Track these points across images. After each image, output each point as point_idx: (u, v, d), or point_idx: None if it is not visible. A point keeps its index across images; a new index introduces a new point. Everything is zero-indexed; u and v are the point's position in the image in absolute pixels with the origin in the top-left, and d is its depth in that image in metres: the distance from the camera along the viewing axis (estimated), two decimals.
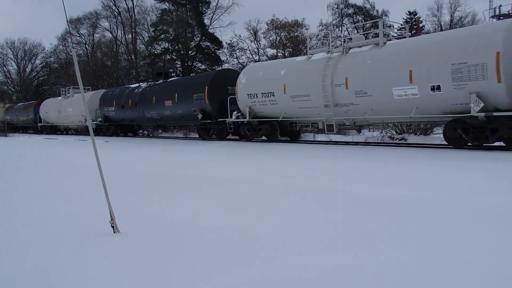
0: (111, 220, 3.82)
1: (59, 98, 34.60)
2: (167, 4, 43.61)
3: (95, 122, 28.02)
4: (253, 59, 39.56)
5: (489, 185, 5.84)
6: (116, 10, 46.14)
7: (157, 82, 23.44)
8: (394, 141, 16.27)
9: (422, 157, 9.25)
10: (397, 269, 2.77)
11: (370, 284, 2.56)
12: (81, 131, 32.81)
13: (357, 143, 14.88)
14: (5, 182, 7.60)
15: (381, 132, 18.72)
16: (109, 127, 27.73)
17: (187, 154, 12.59)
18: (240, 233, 3.77)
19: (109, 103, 26.69)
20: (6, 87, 66.64)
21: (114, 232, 3.79)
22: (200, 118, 18.95)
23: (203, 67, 42.51)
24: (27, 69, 65.24)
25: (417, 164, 8.09)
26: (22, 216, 4.71)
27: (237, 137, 19.56)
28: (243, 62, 39.55)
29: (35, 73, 65.69)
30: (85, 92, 30.76)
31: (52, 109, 34.42)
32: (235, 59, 41.10)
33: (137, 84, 26.41)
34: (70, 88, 33.79)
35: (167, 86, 22.05)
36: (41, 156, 13.07)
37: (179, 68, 43.49)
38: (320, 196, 5.35)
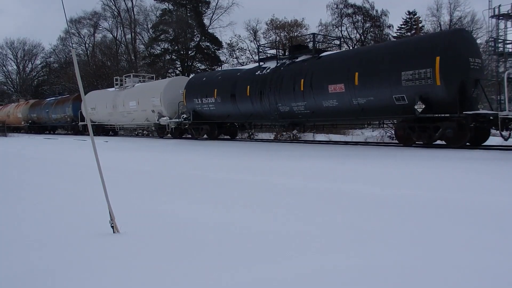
0: (111, 220, 3.82)
1: (112, 89, 27.61)
2: (167, 4, 43.65)
3: (175, 120, 20.59)
4: (252, 59, 39.58)
5: (490, 185, 5.84)
6: (116, 10, 46.18)
7: (297, 60, 15.47)
8: (394, 141, 16.26)
9: (423, 157, 9.23)
10: (397, 269, 2.76)
11: (371, 284, 2.56)
12: (149, 131, 26.03)
13: (356, 143, 14.87)
14: (6, 182, 7.60)
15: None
16: (199, 127, 20.02)
17: None
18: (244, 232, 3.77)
19: (205, 93, 18.73)
20: (5, 87, 66.68)
21: (113, 232, 3.79)
22: (420, 110, 11.57)
23: (203, 67, 42.55)
24: (26, 69, 65.33)
25: (417, 164, 8.08)
26: (22, 216, 4.71)
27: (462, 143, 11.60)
28: (243, 62, 39.57)
29: (35, 73, 65.76)
30: (145, 81, 26.82)
31: (101, 103, 26.88)
32: (235, 59, 41.14)
33: (255, 65, 18.25)
34: (129, 76, 26.42)
35: (330, 62, 14.13)
36: (44, 157, 13.06)
37: (178, 68, 43.51)
38: (321, 196, 5.35)
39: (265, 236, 3.65)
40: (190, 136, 21.98)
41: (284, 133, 23.05)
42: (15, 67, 65.10)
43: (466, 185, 5.85)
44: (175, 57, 43.42)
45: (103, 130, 29.38)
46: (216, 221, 4.20)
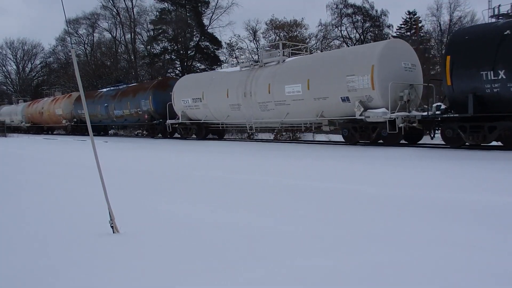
0: (111, 220, 3.82)
1: (233, 69, 18.60)
2: (166, 4, 43.62)
3: (401, 114, 12.01)
4: (252, 59, 39.58)
5: (487, 185, 5.84)
6: (115, 10, 46.15)
7: None
8: None
9: (423, 157, 9.23)
10: (396, 269, 2.77)
11: (371, 284, 2.56)
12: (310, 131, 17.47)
13: (356, 143, 14.87)
14: (7, 182, 7.59)
15: None
16: (485, 126, 10.53)
17: None
18: (241, 232, 3.77)
19: None
20: (5, 87, 66.64)
21: (113, 232, 3.79)
22: None
23: (203, 67, 42.55)
24: (26, 69, 65.29)
25: (417, 164, 8.08)
26: (22, 217, 4.71)
27: None
28: (242, 62, 39.52)
29: (35, 73, 65.72)
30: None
31: (216, 91, 17.43)
32: (234, 59, 41.15)
33: None
34: (273, 46, 17.75)
35: None
36: (46, 157, 13.06)
37: (178, 68, 43.49)
38: (322, 196, 5.35)
39: (266, 236, 3.66)
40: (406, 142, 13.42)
41: (284, 133, 22.27)
42: (14, 67, 65.15)
43: (466, 185, 5.85)
44: (174, 57, 43.39)
45: (207, 131, 19.79)
46: (216, 221, 4.20)
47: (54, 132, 35.00)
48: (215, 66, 41.47)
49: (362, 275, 2.67)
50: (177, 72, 42.46)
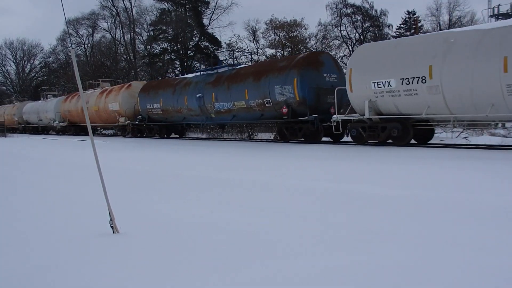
0: (111, 220, 3.82)
1: None
2: (166, 4, 43.65)
3: None
4: (252, 59, 39.62)
5: (488, 185, 5.84)
6: (114, 10, 46.16)
7: None
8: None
9: (424, 157, 9.24)
10: (395, 269, 2.77)
11: (371, 284, 2.56)
12: None
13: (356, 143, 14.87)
14: (7, 182, 7.59)
15: None
16: None
17: None
18: (241, 233, 3.77)
19: None
20: (4, 87, 66.67)
21: (113, 232, 3.79)
22: None
23: (202, 67, 42.61)
24: (26, 69, 65.32)
25: (418, 164, 8.09)
26: (23, 216, 4.70)
27: None
28: (242, 62, 39.57)
29: (34, 73, 65.75)
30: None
31: (469, 60, 9.64)
32: (234, 59, 41.17)
33: None
34: None
35: None
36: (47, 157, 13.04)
37: (178, 68, 43.51)
38: (322, 196, 5.36)
39: (267, 236, 3.66)
40: None
41: None
42: (14, 67, 65.19)
43: (470, 185, 5.86)
44: (174, 57, 43.41)
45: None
46: (216, 222, 4.20)
47: (104, 132, 27.73)
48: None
49: (364, 275, 2.68)
50: (177, 72, 42.48)
